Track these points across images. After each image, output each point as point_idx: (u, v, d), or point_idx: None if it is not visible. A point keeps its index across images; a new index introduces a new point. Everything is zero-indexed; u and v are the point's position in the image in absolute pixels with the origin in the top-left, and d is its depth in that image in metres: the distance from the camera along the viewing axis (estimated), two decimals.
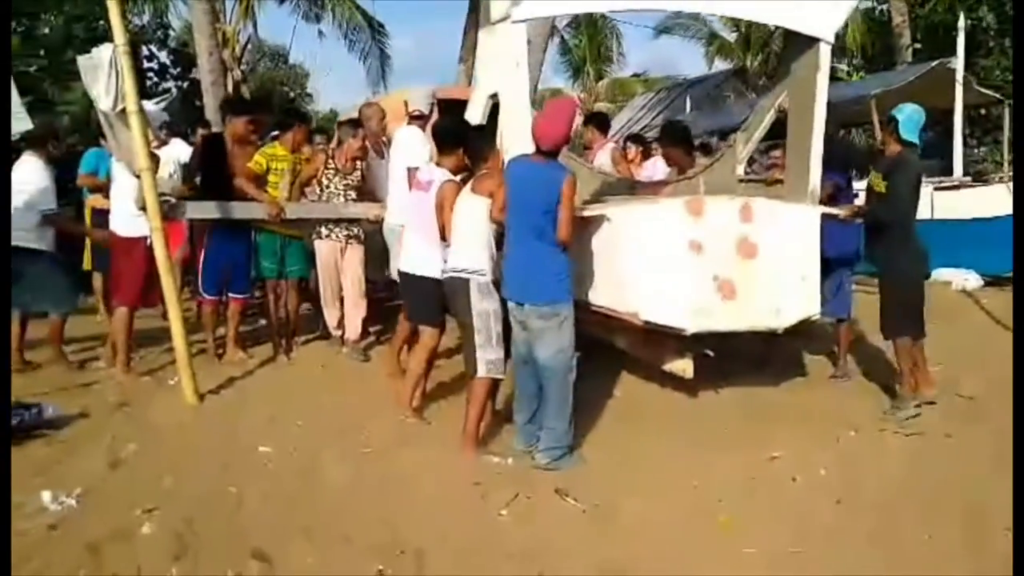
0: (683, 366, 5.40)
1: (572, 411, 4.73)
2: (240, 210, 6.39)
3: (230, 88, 15.65)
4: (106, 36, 5.57)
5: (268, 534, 3.81)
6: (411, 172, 5.61)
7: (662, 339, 5.41)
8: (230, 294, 6.73)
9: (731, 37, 26.96)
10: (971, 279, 10.94)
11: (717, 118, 16.23)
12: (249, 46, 18.78)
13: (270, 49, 35.67)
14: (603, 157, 7.88)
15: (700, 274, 4.96)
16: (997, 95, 12.76)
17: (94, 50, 5.67)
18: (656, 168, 7.70)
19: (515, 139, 5.09)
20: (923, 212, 11.58)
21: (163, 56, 18.03)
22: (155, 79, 17.11)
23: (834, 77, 20.71)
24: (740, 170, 6.63)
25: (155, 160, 5.93)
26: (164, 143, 6.97)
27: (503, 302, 4.81)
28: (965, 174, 12.43)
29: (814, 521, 4.00)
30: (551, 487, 4.38)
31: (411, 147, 5.92)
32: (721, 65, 27.17)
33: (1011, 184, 10.81)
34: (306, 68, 36.22)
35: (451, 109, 7.43)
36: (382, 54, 21.53)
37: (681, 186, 6.55)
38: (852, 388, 6.08)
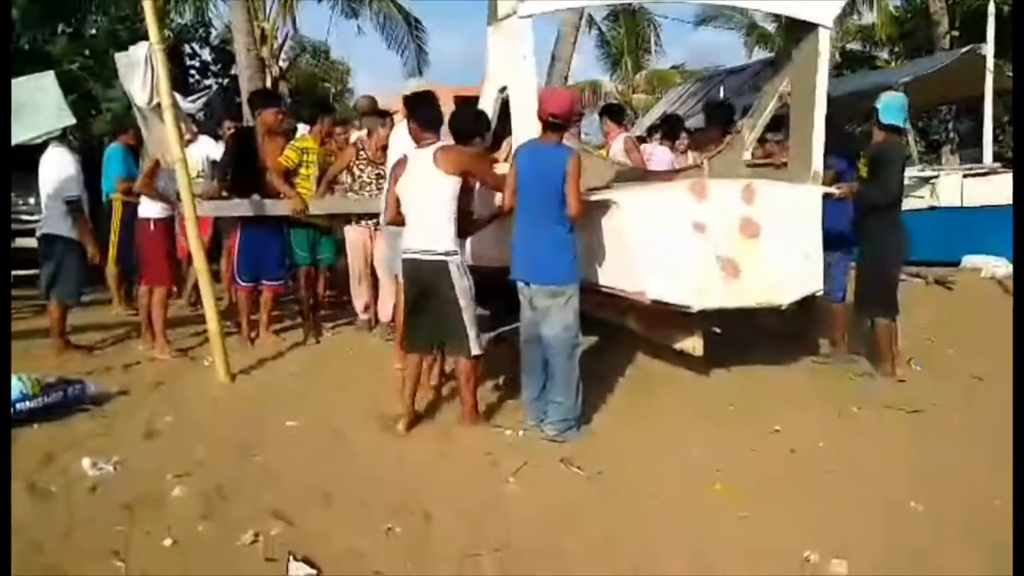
0: (693, 343, 5.61)
1: (579, 386, 4.94)
2: (266, 207, 6.68)
3: (268, 84, 16.07)
4: (148, 36, 5.85)
5: (290, 498, 4.07)
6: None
7: (672, 319, 5.61)
8: (264, 282, 7.02)
9: (771, 27, 26.77)
10: (1001, 266, 10.90)
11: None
12: (290, 42, 19.18)
13: (311, 45, 36.62)
14: (617, 146, 8.05)
15: (704, 254, 5.15)
16: None
17: (131, 48, 5.99)
18: (655, 154, 7.86)
19: (524, 131, 5.29)
20: (953, 199, 11.74)
21: (205, 54, 18.48)
22: (196, 76, 17.56)
23: (875, 66, 20.75)
24: (747, 155, 6.78)
25: None
26: (194, 136, 7.29)
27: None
28: (996, 161, 12.35)
29: (807, 490, 4.17)
30: (558, 457, 4.60)
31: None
32: (761, 55, 26.99)
33: None
34: (347, 63, 36.99)
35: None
36: (419, 49, 21.88)
37: (691, 173, 6.72)
38: (856, 368, 6.20)
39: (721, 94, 18.67)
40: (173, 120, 5.80)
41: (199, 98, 12.35)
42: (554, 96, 4.96)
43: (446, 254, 4.88)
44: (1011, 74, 12.36)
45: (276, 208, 6.73)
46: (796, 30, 5.93)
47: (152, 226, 6.61)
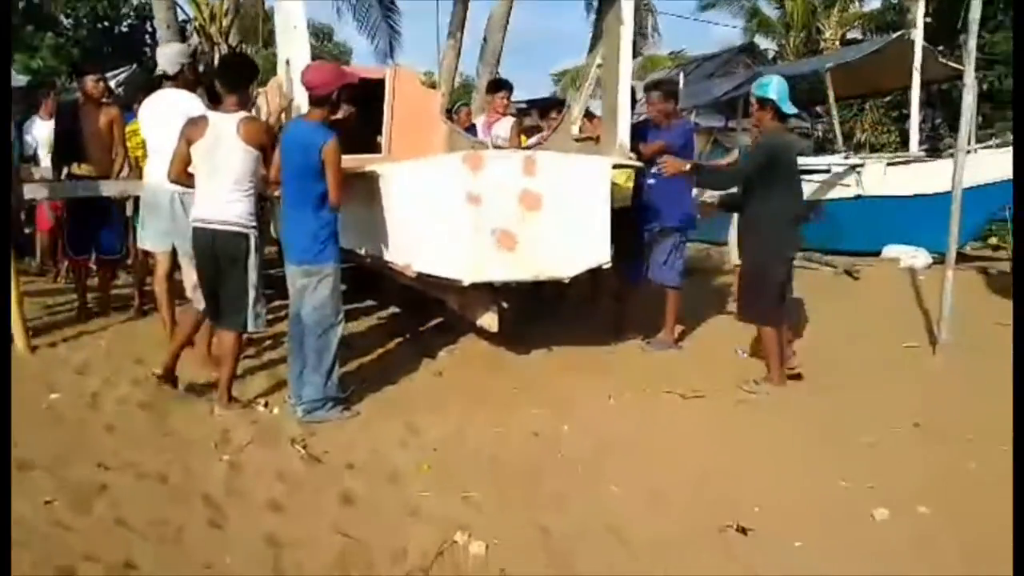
0: (489, 320, 5.48)
1: (333, 366, 4.76)
2: (100, 188, 6.46)
3: (216, 63, 15.93)
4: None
5: None
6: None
7: (475, 295, 5.48)
8: (101, 255, 6.90)
9: (774, 14, 26.38)
10: (920, 257, 10.60)
11: (700, 95, 15.99)
12: None
13: (315, 28, 37.71)
14: (501, 128, 7.80)
15: (477, 227, 4.96)
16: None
17: None
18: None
19: (299, 102, 5.19)
20: (877, 188, 11.41)
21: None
22: (149, 54, 17.55)
23: None
24: (575, 129, 6.57)
25: None
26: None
27: None
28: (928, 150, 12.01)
29: (508, 473, 4.02)
30: (291, 437, 4.44)
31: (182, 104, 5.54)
32: (762, 42, 26.64)
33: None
34: (349, 46, 38.05)
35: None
36: (391, 30, 21.86)
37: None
38: (673, 355, 5.98)
39: (681, 81, 18.41)
40: None
41: (121, 73, 12.19)
42: (310, 70, 4.74)
43: (246, 226, 4.71)
44: (945, 61, 11.99)
45: (109, 188, 6.54)
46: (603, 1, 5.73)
47: None
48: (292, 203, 4.72)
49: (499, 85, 8.34)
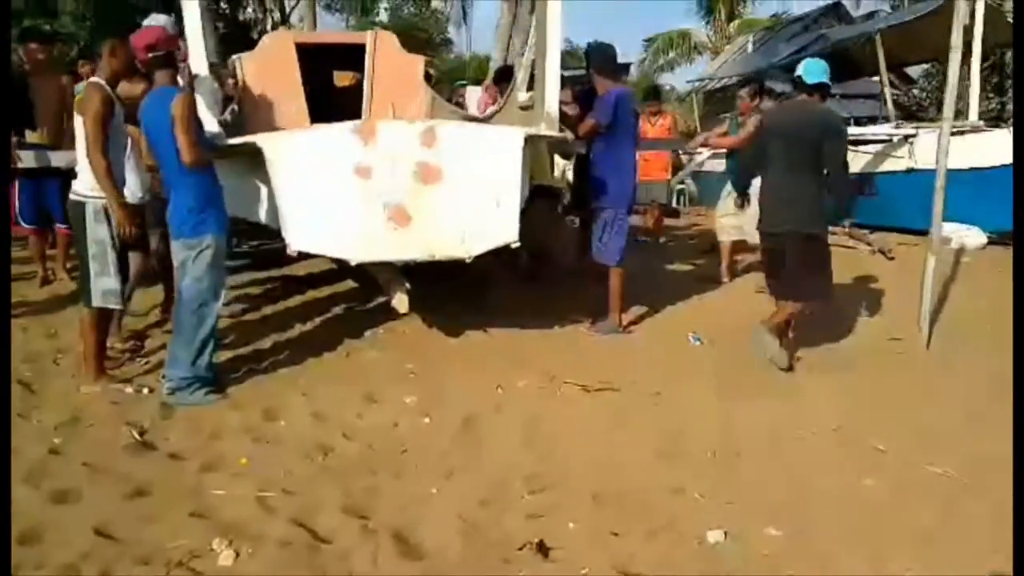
0: (398, 301, 5.16)
1: (205, 346, 4.48)
2: (50, 159, 6.39)
3: (269, 28, 16.02)
4: None
5: None
6: None
7: (383, 275, 5.20)
8: (56, 225, 6.84)
9: None
10: (972, 236, 9.67)
11: (765, 56, 15.15)
12: None
13: None
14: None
15: (366, 201, 4.59)
16: None
17: None
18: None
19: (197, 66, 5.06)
20: (931, 161, 10.40)
21: None
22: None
23: None
24: (522, 96, 6.10)
25: None
26: None
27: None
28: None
29: (334, 467, 3.69)
30: (129, 420, 4.19)
31: None
32: (869, 5, 25.18)
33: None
34: (447, 14, 38.46)
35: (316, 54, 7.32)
36: None
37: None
38: (615, 341, 5.47)
39: (750, 47, 17.54)
40: None
41: None
42: (137, 34, 4.46)
43: (84, 196, 4.56)
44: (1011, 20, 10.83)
45: (58, 159, 6.40)
46: None
47: None
48: (167, 176, 4.49)
49: (503, 76, 7.85)
